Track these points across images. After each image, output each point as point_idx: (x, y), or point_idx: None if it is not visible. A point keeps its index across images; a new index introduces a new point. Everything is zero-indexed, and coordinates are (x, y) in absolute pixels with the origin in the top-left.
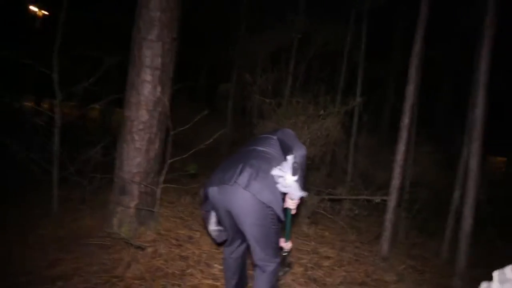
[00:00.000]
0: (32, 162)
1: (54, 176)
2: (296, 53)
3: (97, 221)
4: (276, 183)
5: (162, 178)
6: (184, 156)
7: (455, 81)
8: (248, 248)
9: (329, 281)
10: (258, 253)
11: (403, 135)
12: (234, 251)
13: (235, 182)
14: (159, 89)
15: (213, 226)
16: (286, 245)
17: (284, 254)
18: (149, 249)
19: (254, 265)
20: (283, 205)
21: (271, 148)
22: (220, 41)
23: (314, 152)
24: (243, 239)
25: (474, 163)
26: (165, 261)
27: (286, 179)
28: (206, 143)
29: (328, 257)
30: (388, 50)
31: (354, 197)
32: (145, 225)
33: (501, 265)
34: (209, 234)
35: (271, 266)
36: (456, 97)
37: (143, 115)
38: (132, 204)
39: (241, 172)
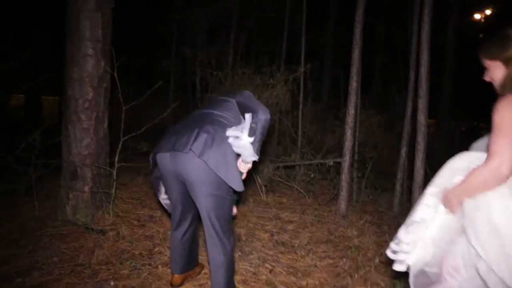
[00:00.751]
0: None
1: None
2: (237, 24)
3: (47, 211)
4: (232, 149)
5: (116, 158)
6: (138, 132)
7: (390, 48)
8: (196, 228)
9: (296, 243)
10: (211, 226)
11: (352, 98)
12: (183, 234)
13: (190, 149)
14: (102, 63)
15: (163, 195)
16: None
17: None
18: (111, 233)
19: (208, 240)
20: (239, 176)
21: (228, 112)
22: (157, 16)
23: None
24: (193, 217)
25: (422, 118)
26: (130, 242)
27: (242, 139)
28: (158, 119)
29: (291, 221)
30: (325, 19)
31: (308, 162)
32: (102, 209)
33: None
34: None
35: (225, 241)
36: (392, 62)
37: (88, 92)
38: (86, 188)
39: (195, 138)
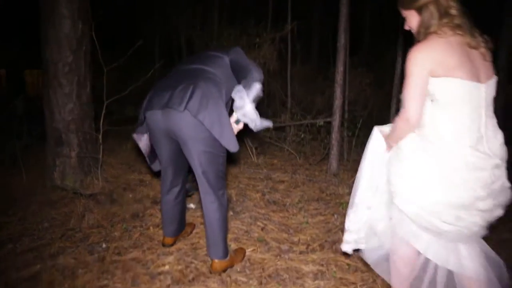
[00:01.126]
0: None
1: None
2: None
3: (35, 179)
4: (226, 111)
5: (101, 122)
6: (123, 94)
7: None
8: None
9: (288, 201)
10: (206, 182)
11: (341, 55)
12: (175, 196)
13: (185, 108)
14: (80, 24)
15: (147, 150)
16: None
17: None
18: (101, 197)
19: (203, 197)
20: (234, 136)
21: (221, 69)
22: None
23: None
24: (184, 178)
25: None
26: (120, 206)
27: (246, 108)
28: (142, 81)
29: (282, 181)
30: None
31: (298, 123)
32: (90, 174)
33: None
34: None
35: (220, 197)
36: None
37: (68, 56)
38: (73, 154)
39: (190, 96)
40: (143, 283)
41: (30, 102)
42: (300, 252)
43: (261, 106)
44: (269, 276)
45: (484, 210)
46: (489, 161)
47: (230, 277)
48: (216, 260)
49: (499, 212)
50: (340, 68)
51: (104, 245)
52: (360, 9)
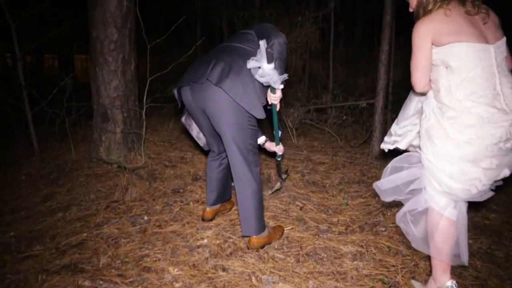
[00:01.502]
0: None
1: (28, 113)
2: None
3: (82, 153)
4: (252, 78)
5: (145, 97)
6: (164, 72)
7: None
8: None
9: (328, 183)
10: (236, 155)
11: (386, 34)
12: (219, 164)
13: (206, 79)
14: (125, 2)
15: (195, 132)
16: (278, 149)
17: (278, 159)
18: (143, 172)
19: (234, 171)
20: (260, 103)
21: (248, 43)
22: None
23: (295, 63)
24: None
25: None
26: (162, 181)
27: (263, 68)
28: (183, 58)
29: (322, 163)
30: None
31: (340, 104)
32: (134, 150)
33: None
34: (199, 146)
35: (252, 171)
36: None
37: (113, 33)
38: (118, 130)
39: (212, 68)
40: (182, 255)
41: (79, 84)
42: (339, 233)
43: (302, 87)
44: (307, 254)
45: (485, 168)
46: (505, 117)
47: (267, 253)
48: (254, 236)
49: (506, 173)
50: (385, 47)
51: (145, 218)
52: None
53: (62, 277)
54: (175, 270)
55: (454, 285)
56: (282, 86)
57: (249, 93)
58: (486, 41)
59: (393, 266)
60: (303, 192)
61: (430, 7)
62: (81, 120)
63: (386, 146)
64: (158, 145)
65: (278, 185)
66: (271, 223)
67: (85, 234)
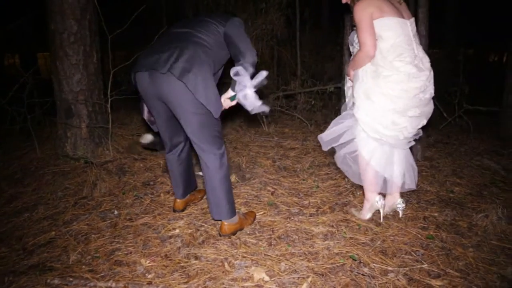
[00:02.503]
0: None
1: None
2: None
3: (48, 151)
4: (211, 75)
5: (109, 90)
6: (128, 63)
7: None
8: (190, 147)
9: (299, 167)
10: (204, 146)
11: (349, 18)
12: (178, 155)
13: (168, 70)
14: None
15: (146, 114)
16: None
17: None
18: (112, 167)
19: (202, 163)
20: (218, 100)
21: (213, 36)
22: None
23: (262, 49)
24: (185, 137)
25: (423, 29)
26: (132, 175)
27: (247, 91)
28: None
29: (293, 148)
30: None
31: (308, 90)
32: (101, 145)
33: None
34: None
35: (216, 154)
36: None
37: (72, 25)
38: (83, 125)
39: (176, 59)
40: (154, 246)
41: (43, 81)
42: (310, 215)
43: (271, 74)
44: (279, 237)
45: (411, 117)
46: (422, 73)
47: (239, 239)
48: (226, 223)
49: (424, 122)
50: (349, 31)
51: (116, 212)
52: None
53: (30, 277)
54: (147, 261)
55: (381, 198)
56: (265, 109)
57: (209, 91)
58: (403, 17)
59: (363, 243)
60: (274, 177)
61: None
62: (45, 117)
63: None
64: (127, 139)
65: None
66: (242, 209)
67: (53, 233)
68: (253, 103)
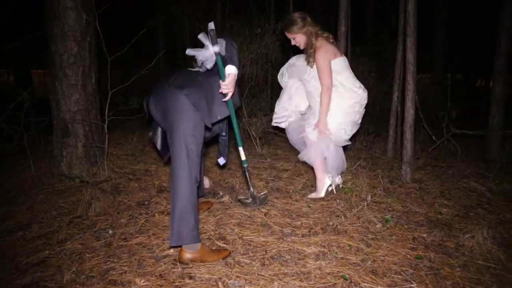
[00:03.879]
0: None
1: None
2: None
3: (42, 170)
4: (209, 90)
5: (106, 111)
6: (126, 84)
7: None
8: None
9: (291, 188)
10: (178, 158)
11: (342, 43)
12: None
13: (168, 86)
14: (84, 16)
15: (160, 145)
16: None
17: (244, 165)
18: (107, 186)
19: (171, 175)
20: (210, 111)
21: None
22: None
23: (257, 72)
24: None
25: (411, 57)
26: (127, 195)
27: (209, 49)
28: (145, 70)
29: (285, 170)
30: None
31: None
32: (97, 164)
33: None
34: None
35: (188, 180)
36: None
37: (72, 47)
38: (79, 144)
39: (175, 79)
40: (148, 266)
41: (37, 99)
42: (302, 235)
43: (265, 97)
44: (272, 257)
45: (356, 125)
46: (362, 91)
47: (233, 259)
48: (184, 248)
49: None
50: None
51: (110, 231)
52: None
53: None
54: (142, 281)
55: (329, 177)
56: (235, 71)
57: (203, 99)
58: (342, 55)
59: (354, 263)
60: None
61: (313, 42)
62: (40, 136)
63: (274, 123)
64: (122, 158)
65: (247, 201)
66: (236, 230)
67: (47, 252)
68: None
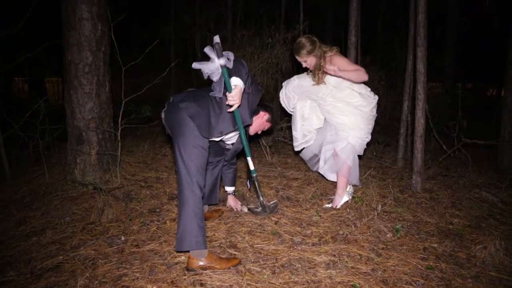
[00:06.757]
0: None
1: None
2: None
3: (56, 176)
4: (209, 105)
5: (120, 119)
6: (139, 93)
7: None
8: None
9: (301, 197)
10: (182, 170)
11: (352, 53)
12: (211, 170)
13: (172, 100)
14: (99, 26)
15: None
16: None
17: (252, 175)
18: (120, 193)
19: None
20: (208, 125)
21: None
22: None
23: (267, 81)
24: (219, 161)
25: (421, 66)
26: (138, 202)
27: (214, 62)
28: (158, 79)
29: (295, 179)
30: None
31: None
32: (109, 171)
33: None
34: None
35: (191, 192)
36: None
37: (87, 57)
38: (93, 152)
39: (179, 94)
40: (160, 273)
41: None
42: (313, 244)
43: (275, 106)
44: (282, 266)
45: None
46: (372, 99)
47: (244, 267)
48: (191, 255)
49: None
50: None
51: (123, 238)
52: (372, 9)
53: None
54: (154, 287)
55: (350, 187)
56: (240, 83)
57: (202, 112)
58: None
59: (365, 272)
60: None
61: (322, 63)
62: (54, 143)
63: (297, 148)
64: (134, 166)
65: (257, 209)
66: (247, 238)
67: (61, 257)
68: (211, 71)
